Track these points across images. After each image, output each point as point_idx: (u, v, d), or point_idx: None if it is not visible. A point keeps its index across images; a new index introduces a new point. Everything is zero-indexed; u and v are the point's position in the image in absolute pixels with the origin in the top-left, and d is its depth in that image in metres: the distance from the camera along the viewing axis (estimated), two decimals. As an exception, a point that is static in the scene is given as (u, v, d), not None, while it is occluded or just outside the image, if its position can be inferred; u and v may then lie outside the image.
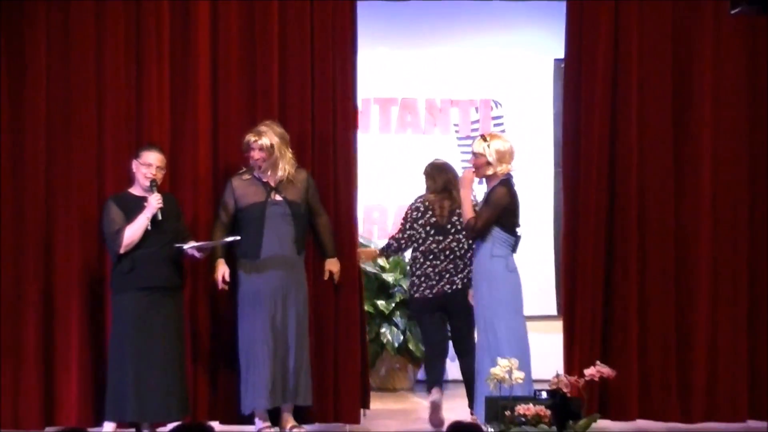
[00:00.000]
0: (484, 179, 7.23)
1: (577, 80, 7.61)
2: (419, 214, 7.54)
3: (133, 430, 7.05)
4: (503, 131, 9.54)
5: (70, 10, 7.34)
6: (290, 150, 7.17)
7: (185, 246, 6.94)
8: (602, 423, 7.42)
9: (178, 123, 7.44)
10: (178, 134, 7.42)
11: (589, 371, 6.66)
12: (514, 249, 7.20)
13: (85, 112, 7.34)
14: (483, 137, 7.27)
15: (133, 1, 7.41)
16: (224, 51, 7.45)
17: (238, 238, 7.08)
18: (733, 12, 6.26)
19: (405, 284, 8.98)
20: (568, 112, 7.67)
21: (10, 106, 7.31)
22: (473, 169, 7.24)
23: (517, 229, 7.25)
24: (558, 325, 8.36)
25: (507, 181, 7.22)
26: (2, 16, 7.32)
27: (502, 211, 7.11)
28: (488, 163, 7.13)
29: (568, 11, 7.69)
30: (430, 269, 7.53)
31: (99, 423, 7.08)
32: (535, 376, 7.03)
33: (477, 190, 7.52)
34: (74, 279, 7.27)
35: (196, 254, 7.04)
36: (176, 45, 7.47)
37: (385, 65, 9.70)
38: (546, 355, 7.83)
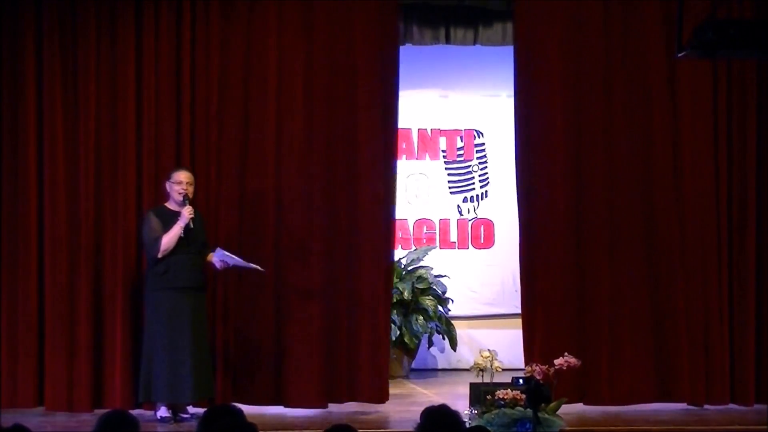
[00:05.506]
0: None
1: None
2: None
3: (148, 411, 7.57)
4: (484, 156, 10.12)
5: (116, 52, 7.88)
6: None
7: (220, 252, 7.43)
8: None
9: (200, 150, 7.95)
10: (198, 160, 7.91)
11: (558, 361, 7.20)
12: None
13: (128, 140, 7.86)
14: None
15: (174, 40, 7.94)
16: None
17: (262, 270, 7.60)
18: (679, 56, 6.38)
19: (401, 287, 9.40)
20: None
21: (63, 133, 7.84)
22: None
23: None
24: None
25: None
26: (60, 58, 7.87)
27: None
28: None
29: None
30: None
31: (138, 406, 7.59)
32: (511, 365, 7.50)
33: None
34: (119, 282, 7.77)
35: (217, 265, 7.53)
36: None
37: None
38: (520, 347, 8.23)
